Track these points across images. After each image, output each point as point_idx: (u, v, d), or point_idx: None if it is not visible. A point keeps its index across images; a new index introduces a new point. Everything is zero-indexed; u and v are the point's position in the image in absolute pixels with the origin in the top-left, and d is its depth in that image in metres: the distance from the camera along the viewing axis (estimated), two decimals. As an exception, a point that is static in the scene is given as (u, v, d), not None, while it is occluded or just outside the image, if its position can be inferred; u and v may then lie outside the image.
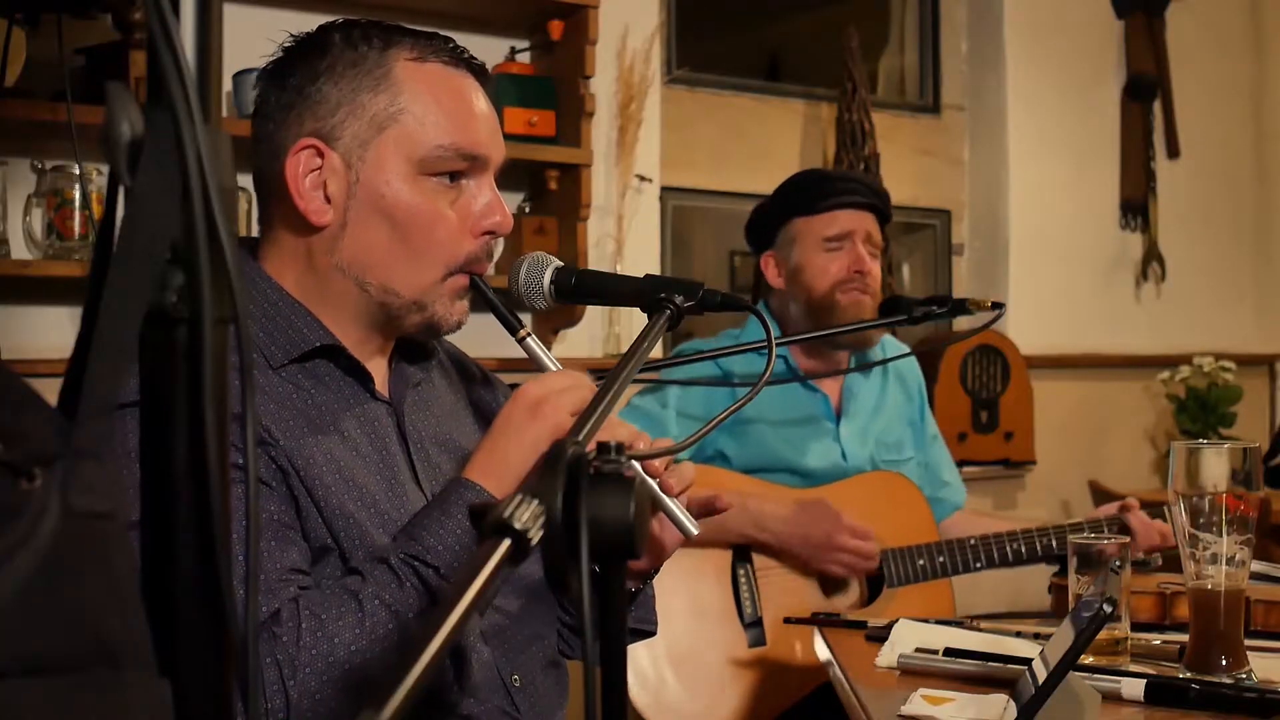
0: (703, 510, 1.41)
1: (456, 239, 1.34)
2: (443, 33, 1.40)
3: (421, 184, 1.33)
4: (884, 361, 2.49)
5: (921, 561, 2.27)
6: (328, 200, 1.32)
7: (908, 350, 2.57)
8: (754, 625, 2.28)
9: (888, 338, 2.57)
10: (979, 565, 2.26)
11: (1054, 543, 2.24)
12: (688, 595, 2.25)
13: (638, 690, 2.21)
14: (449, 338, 1.48)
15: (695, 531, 1.27)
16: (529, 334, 1.37)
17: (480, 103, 1.37)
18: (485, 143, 1.36)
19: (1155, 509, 2.17)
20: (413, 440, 1.38)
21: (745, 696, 2.26)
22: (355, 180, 1.32)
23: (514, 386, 1.32)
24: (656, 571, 1.46)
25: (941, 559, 2.27)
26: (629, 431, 1.28)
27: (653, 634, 1.57)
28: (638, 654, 2.16)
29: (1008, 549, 2.26)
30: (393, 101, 1.32)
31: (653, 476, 1.30)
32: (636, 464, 1.23)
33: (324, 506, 1.25)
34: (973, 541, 2.28)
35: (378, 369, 1.40)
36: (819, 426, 2.45)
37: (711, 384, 2.33)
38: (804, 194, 2.42)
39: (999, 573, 2.40)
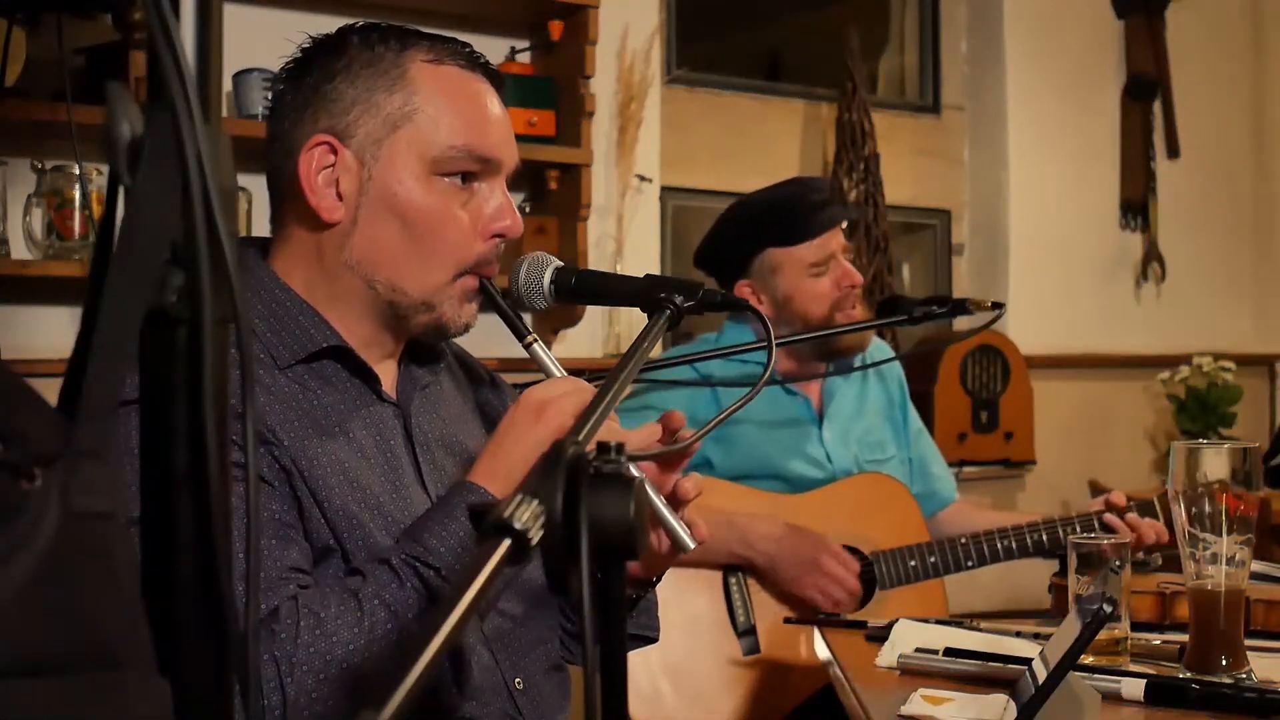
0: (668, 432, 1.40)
1: (467, 240, 1.34)
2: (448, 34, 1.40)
3: (434, 184, 1.33)
4: (865, 367, 2.48)
5: (913, 562, 2.27)
6: (340, 197, 1.32)
7: (891, 354, 2.55)
8: (747, 633, 2.28)
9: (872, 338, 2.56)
10: (970, 564, 2.26)
11: (1045, 538, 2.24)
12: (680, 605, 2.25)
13: (634, 703, 2.20)
14: (456, 340, 1.48)
15: (692, 545, 1.26)
16: (535, 339, 1.38)
17: (495, 107, 1.38)
18: (498, 145, 1.36)
19: (1144, 502, 2.17)
20: (419, 443, 1.38)
21: (741, 704, 2.25)
22: (368, 178, 1.32)
23: (520, 389, 1.33)
24: (658, 580, 1.46)
25: (933, 559, 2.27)
26: (638, 438, 1.28)
27: (654, 640, 1.57)
28: (633, 666, 2.15)
29: (998, 546, 2.25)
30: (407, 101, 1.32)
31: (665, 481, 1.30)
32: (633, 467, 1.23)
33: (327, 508, 1.26)
34: (963, 540, 2.27)
35: (386, 371, 1.40)
36: (802, 430, 2.44)
37: (707, 385, 2.32)
38: (777, 225, 2.36)
39: (996, 572, 2.40)
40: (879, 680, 1.51)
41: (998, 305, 2.14)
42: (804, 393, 2.46)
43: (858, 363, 2.45)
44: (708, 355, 2.06)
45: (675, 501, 1.31)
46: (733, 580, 2.30)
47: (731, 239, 2.42)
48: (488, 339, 1.67)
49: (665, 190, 3.42)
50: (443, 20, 2.85)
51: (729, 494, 2.34)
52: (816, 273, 2.36)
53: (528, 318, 1.43)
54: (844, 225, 2.44)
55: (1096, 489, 3.80)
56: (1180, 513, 1.41)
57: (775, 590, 2.29)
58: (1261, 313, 4.51)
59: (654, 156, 3.30)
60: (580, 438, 0.90)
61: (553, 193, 3.01)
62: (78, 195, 2.48)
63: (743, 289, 2.40)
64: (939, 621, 1.71)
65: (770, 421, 2.41)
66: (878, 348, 2.53)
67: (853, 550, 2.31)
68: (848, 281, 2.37)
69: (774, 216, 2.37)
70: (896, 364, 2.60)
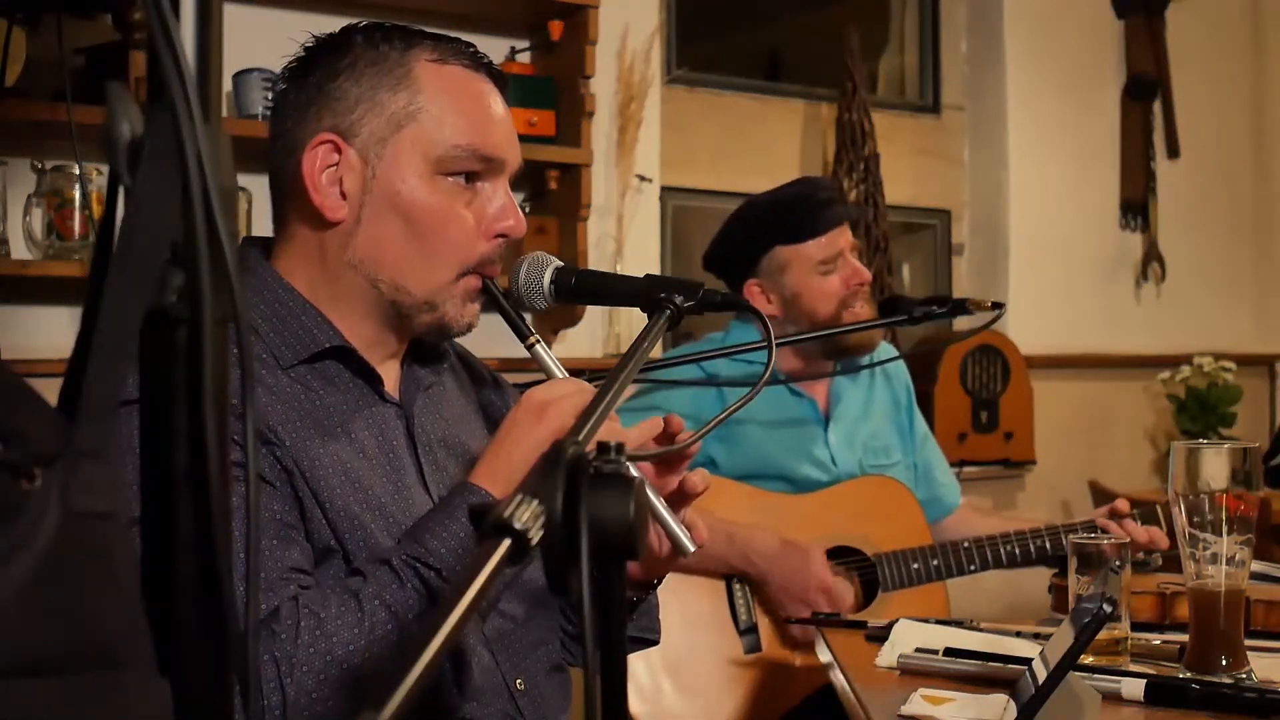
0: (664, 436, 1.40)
1: (470, 240, 1.34)
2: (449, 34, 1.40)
3: (438, 183, 1.33)
4: (871, 365, 2.48)
5: (915, 565, 2.26)
6: (343, 196, 1.32)
7: (896, 354, 2.55)
8: (749, 632, 2.28)
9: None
10: (973, 568, 2.26)
11: (1048, 544, 2.24)
12: (682, 603, 2.25)
13: (635, 700, 2.20)
14: (458, 340, 1.48)
15: (692, 549, 1.26)
16: (538, 340, 1.38)
17: (498, 107, 1.38)
18: (502, 145, 1.36)
19: (1147, 508, 2.17)
20: (421, 443, 1.38)
21: (742, 702, 2.25)
22: (371, 177, 1.32)
23: (522, 389, 1.33)
24: (659, 583, 1.46)
25: (935, 562, 2.27)
26: (638, 434, 1.28)
27: (655, 643, 1.57)
28: (634, 663, 2.15)
29: (1001, 551, 2.25)
30: (411, 100, 1.32)
31: (667, 482, 1.30)
32: (633, 468, 1.23)
33: (329, 508, 1.25)
34: (966, 544, 2.27)
35: (389, 371, 1.40)
36: (807, 431, 2.44)
37: (707, 385, 2.32)
38: (784, 223, 2.37)
39: (999, 575, 2.40)
40: (879, 680, 1.51)
41: (998, 305, 2.14)
42: (810, 394, 2.46)
43: (865, 362, 2.45)
44: (709, 355, 2.06)
45: (684, 495, 1.31)
46: (735, 578, 2.30)
47: (739, 238, 2.42)
48: (489, 339, 1.67)
49: (665, 190, 3.42)
50: (443, 20, 2.85)
51: (733, 493, 2.35)
52: (825, 270, 2.36)
53: (528, 318, 1.43)
54: (848, 224, 2.44)
55: (1097, 489, 3.81)
56: (1180, 513, 1.41)
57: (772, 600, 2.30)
58: (1261, 313, 4.51)
59: (654, 156, 3.30)
60: (580, 438, 0.90)
61: (553, 193, 3.01)
62: (78, 195, 2.48)
63: (751, 288, 2.41)
64: (939, 621, 1.71)
65: (776, 422, 2.41)
66: (883, 349, 2.53)
67: (854, 551, 2.31)
68: (856, 279, 2.36)
69: (781, 214, 2.37)
70: (904, 369, 2.59)
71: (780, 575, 2.23)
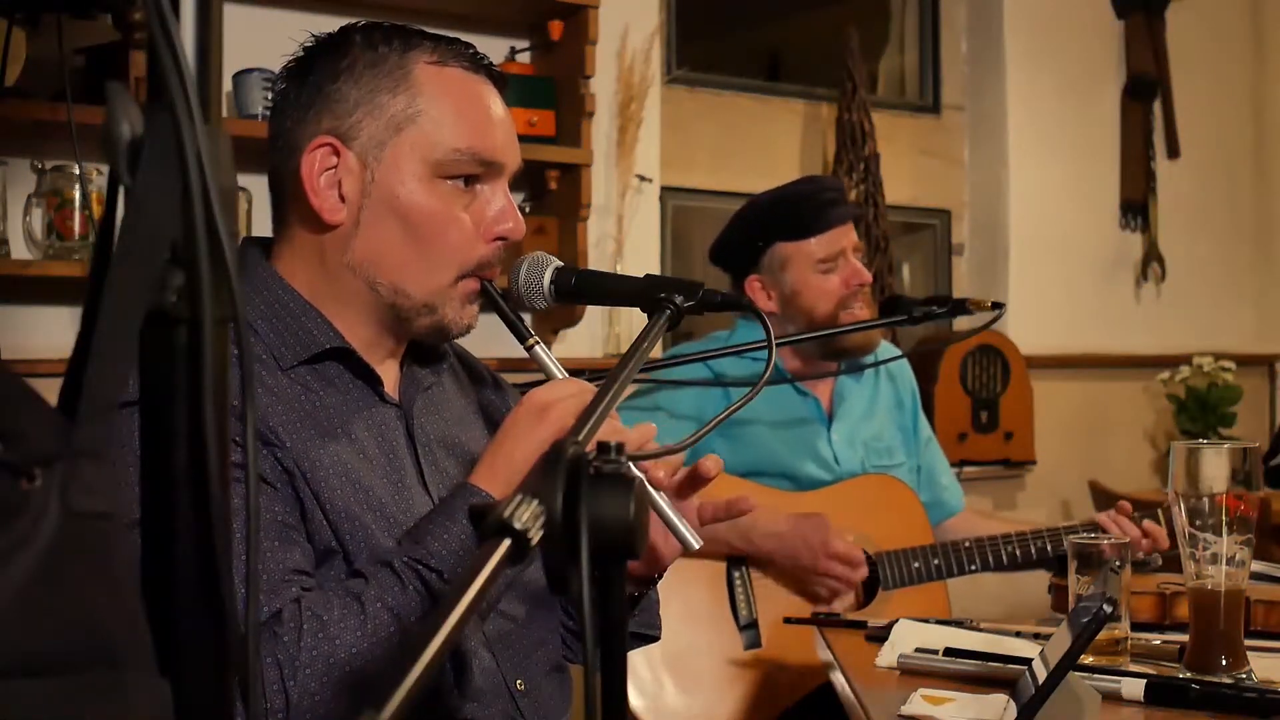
0: (727, 512, 1.41)
1: (469, 242, 1.34)
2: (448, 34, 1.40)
3: (436, 186, 1.33)
4: (876, 364, 2.48)
5: (916, 564, 2.26)
6: (342, 199, 1.32)
7: (899, 353, 2.56)
8: (749, 627, 2.28)
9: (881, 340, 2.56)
10: (973, 568, 2.26)
11: (1049, 546, 2.24)
12: (682, 599, 2.25)
13: (635, 695, 2.20)
14: (458, 340, 1.48)
15: (696, 545, 1.26)
16: (537, 341, 1.37)
17: (498, 109, 1.37)
18: (501, 148, 1.36)
19: (1149, 511, 2.17)
20: (421, 444, 1.38)
21: (742, 699, 2.25)
22: (370, 180, 1.32)
23: (522, 389, 1.33)
24: (659, 578, 1.46)
25: (936, 561, 2.27)
26: (637, 434, 1.28)
27: (655, 639, 1.57)
28: (634, 659, 2.15)
29: (1002, 552, 2.26)
30: (411, 103, 1.32)
31: (654, 483, 1.30)
32: (634, 467, 1.23)
33: (329, 509, 1.25)
34: (967, 544, 2.28)
35: (388, 372, 1.40)
36: (811, 429, 2.44)
37: (709, 384, 2.32)
38: (787, 219, 2.37)
39: (999, 576, 2.40)
40: (879, 680, 1.51)
41: (998, 305, 2.14)
42: (815, 393, 2.46)
43: (869, 361, 2.45)
44: (708, 355, 2.06)
45: (695, 480, 1.31)
46: (736, 574, 2.30)
47: (743, 233, 2.43)
48: (489, 339, 1.67)
49: (665, 190, 3.42)
50: (443, 20, 2.85)
51: (735, 489, 2.34)
52: (825, 269, 2.36)
53: (527, 318, 1.43)
54: (852, 224, 2.44)
55: (1097, 489, 3.81)
56: (1180, 513, 1.41)
57: (778, 583, 2.30)
58: (1261, 313, 4.51)
59: (654, 156, 3.30)
60: (580, 438, 0.90)
61: (553, 193, 3.01)
62: (78, 195, 2.48)
63: (753, 284, 2.41)
64: (939, 621, 1.71)
65: (780, 420, 2.41)
66: (885, 349, 2.53)
67: None
68: (856, 280, 2.36)
69: (785, 210, 2.38)
70: (909, 371, 2.60)
71: (788, 550, 2.23)
